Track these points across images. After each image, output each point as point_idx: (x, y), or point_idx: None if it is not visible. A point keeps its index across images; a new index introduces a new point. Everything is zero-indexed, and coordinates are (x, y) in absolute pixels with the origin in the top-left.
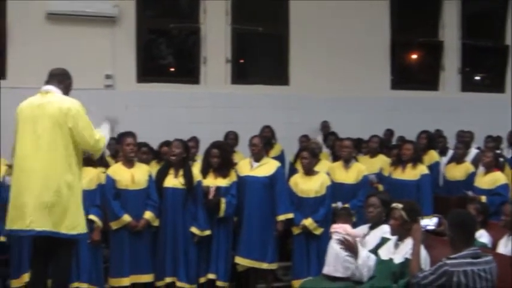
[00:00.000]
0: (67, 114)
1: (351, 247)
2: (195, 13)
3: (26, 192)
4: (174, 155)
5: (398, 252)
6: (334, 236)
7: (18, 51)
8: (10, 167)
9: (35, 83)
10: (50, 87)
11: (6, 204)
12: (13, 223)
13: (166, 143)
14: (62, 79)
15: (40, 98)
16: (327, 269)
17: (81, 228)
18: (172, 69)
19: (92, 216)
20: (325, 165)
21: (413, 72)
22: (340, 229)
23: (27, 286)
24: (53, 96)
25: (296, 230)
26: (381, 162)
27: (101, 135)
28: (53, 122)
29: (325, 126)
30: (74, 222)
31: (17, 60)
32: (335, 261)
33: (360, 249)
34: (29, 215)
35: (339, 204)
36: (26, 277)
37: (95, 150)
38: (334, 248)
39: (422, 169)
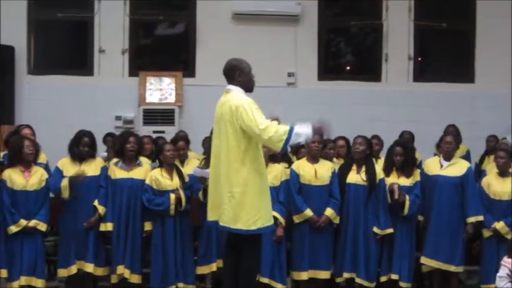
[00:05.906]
0: (236, 114)
1: None
2: (377, 10)
3: (215, 187)
4: (357, 151)
5: None
6: (501, 270)
7: (206, 50)
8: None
9: (221, 81)
10: (229, 87)
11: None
12: (208, 214)
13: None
14: (230, 75)
15: (223, 97)
16: None
17: (260, 222)
18: (353, 67)
19: (274, 213)
20: None
21: None
22: (509, 265)
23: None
24: (230, 95)
25: (487, 233)
26: None
27: (269, 124)
28: (226, 121)
29: None
30: (253, 217)
31: (204, 59)
32: None
33: None
34: (217, 209)
35: None
36: (213, 266)
37: (267, 141)
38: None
39: None
